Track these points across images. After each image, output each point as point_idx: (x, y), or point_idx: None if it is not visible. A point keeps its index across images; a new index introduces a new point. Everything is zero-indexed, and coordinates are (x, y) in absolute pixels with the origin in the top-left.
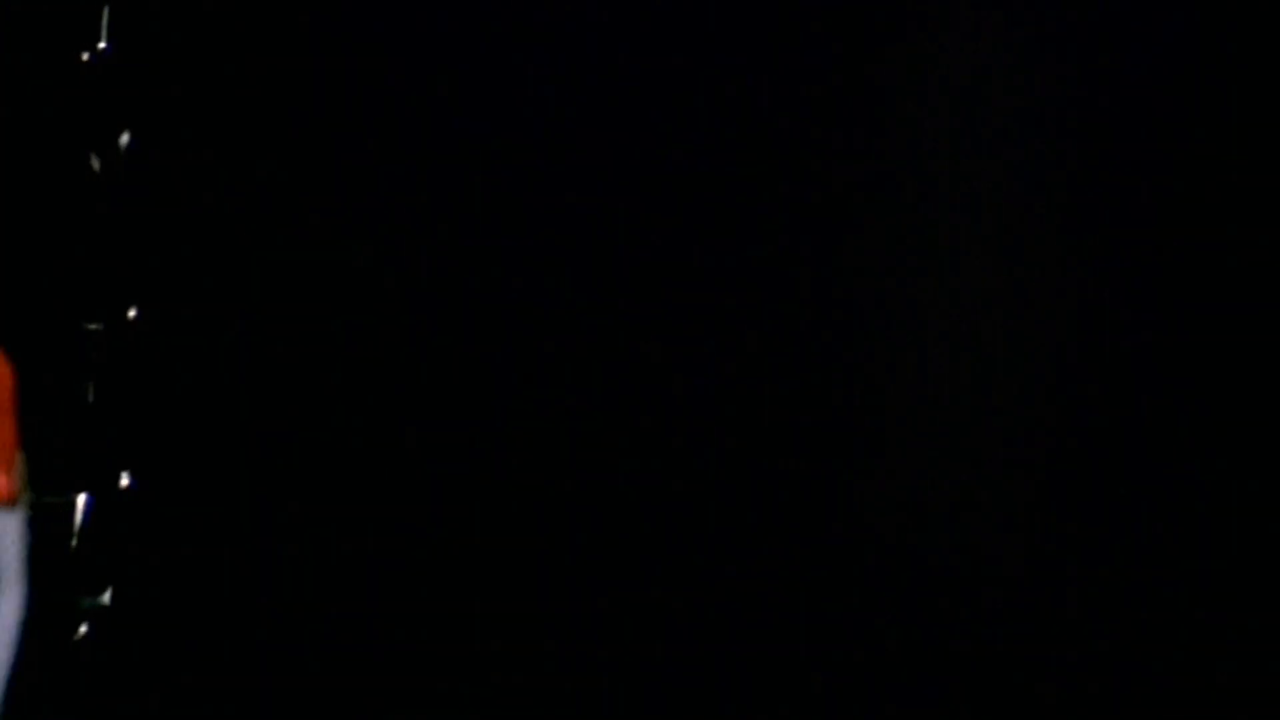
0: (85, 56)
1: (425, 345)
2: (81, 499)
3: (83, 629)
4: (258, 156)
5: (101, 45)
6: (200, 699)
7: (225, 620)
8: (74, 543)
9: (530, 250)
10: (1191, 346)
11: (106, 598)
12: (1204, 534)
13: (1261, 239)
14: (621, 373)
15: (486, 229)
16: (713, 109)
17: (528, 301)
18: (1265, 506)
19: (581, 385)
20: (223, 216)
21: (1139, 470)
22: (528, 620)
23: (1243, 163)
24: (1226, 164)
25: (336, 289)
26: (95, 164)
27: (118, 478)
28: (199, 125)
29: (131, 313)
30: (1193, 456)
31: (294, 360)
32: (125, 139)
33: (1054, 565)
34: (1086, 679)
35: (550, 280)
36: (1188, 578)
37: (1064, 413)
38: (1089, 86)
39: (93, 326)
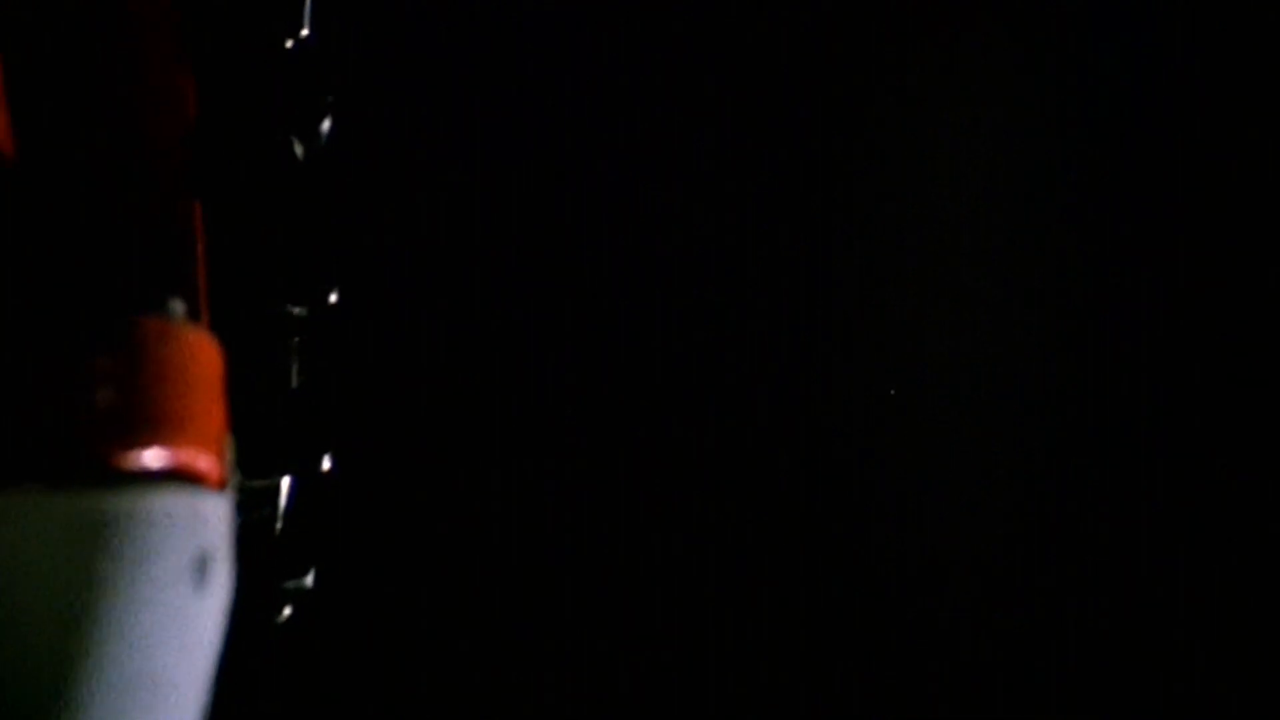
0: (288, 44)
1: (634, 333)
2: (285, 482)
3: (286, 611)
4: (460, 144)
5: (304, 33)
6: (404, 682)
7: (429, 603)
8: (278, 525)
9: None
10: (1190, 353)
11: (310, 580)
12: (1205, 535)
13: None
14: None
15: (697, 221)
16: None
17: (735, 294)
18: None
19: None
20: (424, 203)
21: (1141, 472)
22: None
23: (1246, 179)
24: (1230, 179)
25: (540, 274)
26: (298, 151)
27: (320, 461)
28: (401, 112)
29: (333, 297)
30: (1194, 458)
31: (497, 345)
32: (327, 125)
33: (1054, 566)
34: (1087, 680)
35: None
36: (1188, 579)
37: (1066, 422)
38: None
39: (296, 311)
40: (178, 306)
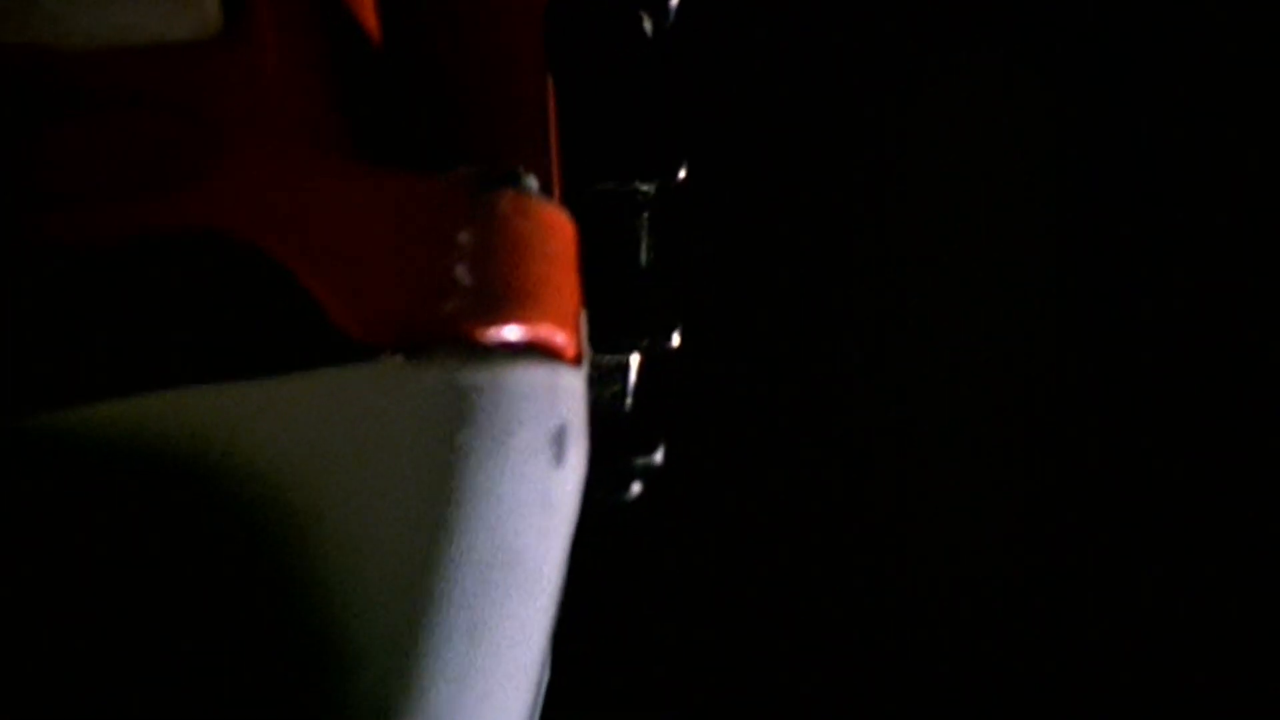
0: None
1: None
2: (634, 358)
3: (635, 488)
4: (808, 23)
5: None
6: (750, 552)
7: (773, 480)
8: (627, 402)
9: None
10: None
11: (659, 457)
12: (1206, 537)
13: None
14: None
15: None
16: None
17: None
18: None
19: None
20: (771, 78)
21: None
22: None
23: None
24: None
25: (890, 158)
26: (647, 26)
27: (670, 337)
28: None
29: (682, 174)
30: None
31: (843, 225)
32: (674, 1)
33: (1055, 568)
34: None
35: None
36: (1191, 581)
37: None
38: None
39: (644, 188)
40: (532, 182)
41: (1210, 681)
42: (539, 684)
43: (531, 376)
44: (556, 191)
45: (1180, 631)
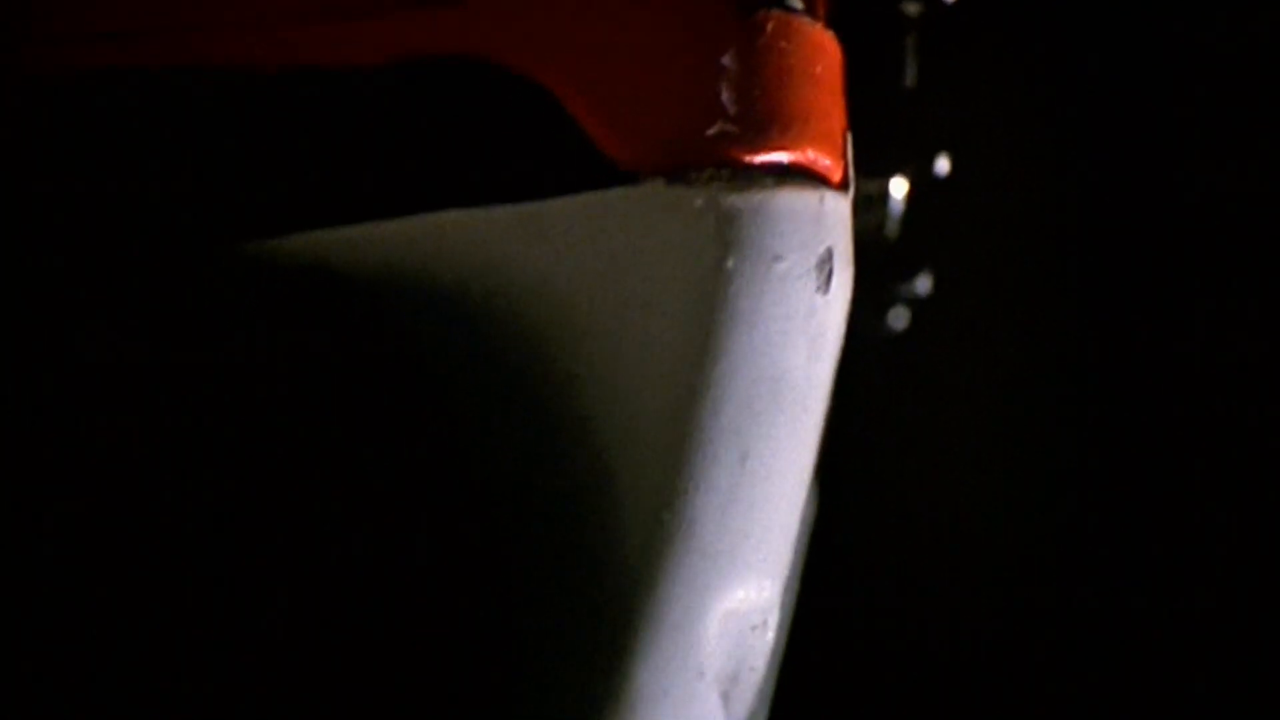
0: None
1: None
2: (898, 184)
3: (901, 318)
4: None
5: None
6: (1015, 381)
7: (1044, 307)
8: (893, 228)
9: None
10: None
11: (924, 286)
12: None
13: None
14: None
15: None
16: None
17: None
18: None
19: None
20: None
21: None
22: None
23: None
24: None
25: None
26: None
27: (935, 163)
28: None
29: None
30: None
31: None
32: None
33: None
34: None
35: None
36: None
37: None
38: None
39: (911, 9)
40: (797, 2)
41: (1210, 681)
42: (806, 509)
43: (798, 201)
44: (821, 12)
45: (1180, 630)
